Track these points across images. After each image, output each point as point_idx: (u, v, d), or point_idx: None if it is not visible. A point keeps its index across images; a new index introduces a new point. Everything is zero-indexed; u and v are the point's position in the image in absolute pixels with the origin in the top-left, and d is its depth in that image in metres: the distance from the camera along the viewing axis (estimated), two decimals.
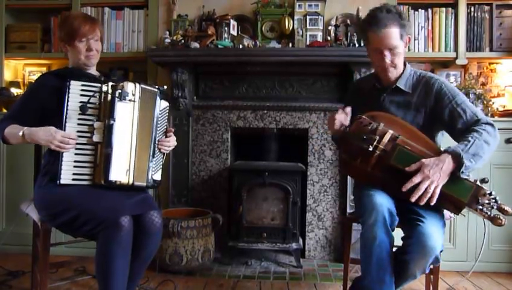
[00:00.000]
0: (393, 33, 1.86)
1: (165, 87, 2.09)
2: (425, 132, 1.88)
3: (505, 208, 1.66)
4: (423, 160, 1.71)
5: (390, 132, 1.81)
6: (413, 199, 1.68)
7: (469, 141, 1.71)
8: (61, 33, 2.01)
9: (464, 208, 1.71)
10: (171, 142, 2.11)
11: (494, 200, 1.66)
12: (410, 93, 1.96)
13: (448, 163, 1.68)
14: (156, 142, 2.03)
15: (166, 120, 2.11)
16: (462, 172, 1.67)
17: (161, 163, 2.09)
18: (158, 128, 2.03)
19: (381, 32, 1.85)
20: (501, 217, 1.65)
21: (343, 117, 1.94)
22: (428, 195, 1.67)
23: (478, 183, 1.69)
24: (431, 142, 1.85)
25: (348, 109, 1.97)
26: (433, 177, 1.66)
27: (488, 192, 1.66)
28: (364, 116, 1.88)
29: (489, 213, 1.66)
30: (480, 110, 1.88)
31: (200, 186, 3.31)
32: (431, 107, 1.92)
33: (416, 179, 1.67)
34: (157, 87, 2.03)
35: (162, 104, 2.06)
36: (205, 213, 2.98)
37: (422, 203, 1.67)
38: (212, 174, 3.31)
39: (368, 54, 2.02)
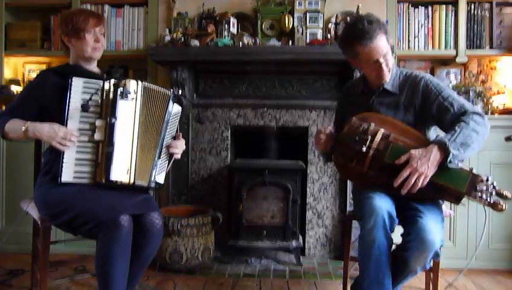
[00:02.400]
0: (382, 41, 1.88)
1: (180, 92, 2.07)
2: (416, 129, 1.90)
3: (504, 193, 1.66)
4: (411, 151, 1.73)
5: (382, 130, 1.83)
6: (403, 192, 1.71)
7: (455, 131, 1.72)
8: (66, 28, 1.96)
9: (463, 197, 1.73)
10: (182, 145, 2.09)
11: (492, 186, 1.67)
12: (397, 94, 1.99)
13: (435, 153, 1.69)
14: (164, 144, 2.00)
15: (177, 124, 2.09)
16: (450, 161, 1.69)
17: (166, 166, 2.05)
18: (168, 131, 2.01)
19: (373, 43, 1.86)
20: (501, 203, 1.66)
21: (327, 134, 1.98)
22: (418, 187, 1.69)
23: (474, 171, 1.70)
24: (423, 136, 1.87)
25: (329, 128, 2.00)
26: (421, 169, 1.68)
27: (485, 178, 1.67)
28: (355, 118, 1.90)
29: (489, 200, 1.67)
30: (467, 102, 1.89)
31: (200, 185, 3.31)
32: (419, 105, 1.94)
33: (405, 173, 1.70)
34: (171, 90, 2.02)
35: (174, 108, 2.03)
36: (205, 211, 2.98)
37: (413, 192, 1.70)
38: (212, 173, 3.31)
39: (358, 65, 2.02)
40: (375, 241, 1.72)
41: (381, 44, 1.88)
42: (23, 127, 1.82)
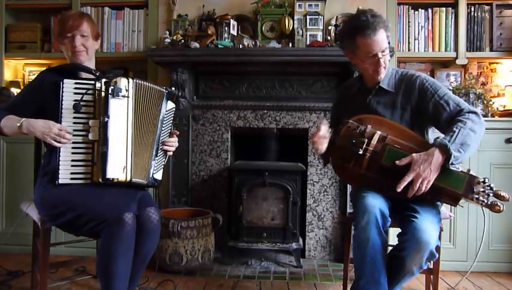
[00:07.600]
0: (383, 36, 1.89)
1: (174, 89, 2.08)
2: (414, 129, 1.91)
3: (502, 194, 1.66)
4: (413, 155, 1.73)
5: (379, 132, 1.84)
6: (409, 195, 1.71)
7: (454, 132, 1.72)
8: (55, 31, 2.03)
9: (460, 199, 1.73)
10: (175, 142, 2.11)
11: (489, 188, 1.67)
12: (394, 93, 1.99)
13: (437, 156, 1.69)
14: (160, 142, 2.02)
15: (171, 121, 2.10)
16: (452, 163, 1.69)
17: (163, 163, 2.08)
18: (163, 129, 2.02)
19: (375, 36, 1.86)
20: (499, 204, 1.65)
21: (321, 134, 1.95)
22: (422, 191, 1.70)
23: (471, 172, 1.70)
24: (420, 138, 1.88)
25: (323, 128, 1.97)
26: (424, 174, 1.68)
27: (482, 180, 1.67)
28: (351, 121, 1.91)
29: (486, 201, 1.67)
30: (463, 100, 1.89)
31: (200, 186, 3.31)
32: (416, 104, 1.94)
33: (408, 178, 1.70)
34: (165, 88, 2.03)
35: (168, 105, 2.04)
36: (205, 213, 2.97)
37: (417, 195, 1.71)
38: (212, 174, 3.31)
39: (355, 60, 2.00)
40: (369, 239, 1.73)
41: (382, 39, 1.88)
42: (18, 123, 1.81)
